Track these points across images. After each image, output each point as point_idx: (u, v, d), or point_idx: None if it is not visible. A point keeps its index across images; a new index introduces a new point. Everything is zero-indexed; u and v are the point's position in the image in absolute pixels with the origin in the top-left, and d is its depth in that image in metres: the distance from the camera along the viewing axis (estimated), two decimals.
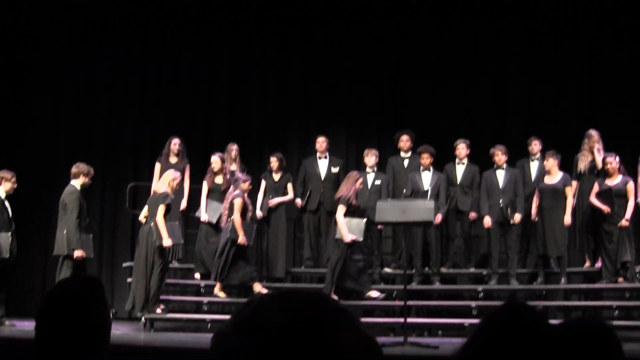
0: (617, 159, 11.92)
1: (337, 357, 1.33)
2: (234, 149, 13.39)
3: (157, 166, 13.33)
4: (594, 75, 14.47)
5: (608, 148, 12.36)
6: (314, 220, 13.19)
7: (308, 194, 13.05)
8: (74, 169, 11.54)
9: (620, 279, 11.62)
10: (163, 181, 11.78)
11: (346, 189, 11.75)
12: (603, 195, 11.86)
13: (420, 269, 12.60)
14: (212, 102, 15.59)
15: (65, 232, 11.14)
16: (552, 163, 12.16)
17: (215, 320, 11.52)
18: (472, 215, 12.73)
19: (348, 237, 11.51)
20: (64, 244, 11.14)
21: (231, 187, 12.46)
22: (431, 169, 12.71)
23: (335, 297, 10.87)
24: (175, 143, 13.35)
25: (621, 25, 14.37)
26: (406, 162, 13.16)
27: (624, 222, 11.60)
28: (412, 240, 12.45)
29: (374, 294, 11.78)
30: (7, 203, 11.50)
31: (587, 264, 12.47)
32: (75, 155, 14.83)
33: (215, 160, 13.01)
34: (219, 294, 12.16)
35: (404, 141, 13.20)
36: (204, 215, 12.87)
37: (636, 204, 11.84)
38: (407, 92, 15.24)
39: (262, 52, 15.60)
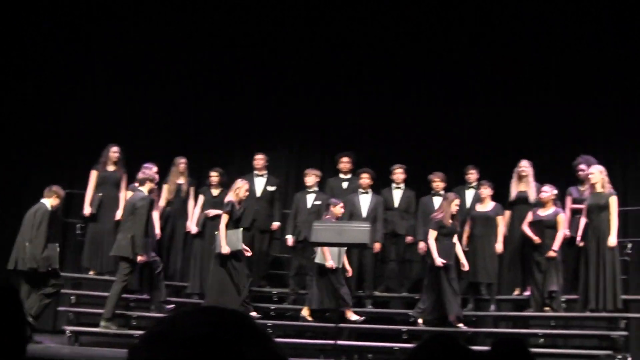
0: (554, 191, 12.18)
1: None
2: (182, 162, 13.28)
3: (93, 174, 13.17)
4: (525, 107, 14.77)
5: (541, 179, 12.66)
6: (247, 237, 12.89)
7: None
8: (140, 175, 12.03)
9: (547, 308, 11.87)
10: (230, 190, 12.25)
11: (441, 211, 11.89)
12: (535, 225, 12.12)
13: (354, 291, 12.65)
14: (154, 113, 15.29)
15: (131, 236, 11.43)
16: (488, 192, 12.43)
17: None
18: (409, 239, 12.90)
19: (438, 260, 11.63)
20: (129, 247, 11.40)
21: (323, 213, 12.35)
22: (370, 191, 12.87)
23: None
24: (114, 151, 13.16)
25: (550, 62, 14.75)
26: (345, 184, 13.32)
27: (552, 253, 11.82)
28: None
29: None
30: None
31: (517, 291, 12.68)
32: (24, 164, 14.60)
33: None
34: (307, 317, 12.06)
35: (344, 163, 13.40)
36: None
37: (565, 235, 12.12)
38: (350, 115, 15.31)
39: (207, 66, 15.57)
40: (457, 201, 11.95)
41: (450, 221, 11.83)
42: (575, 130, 14.50)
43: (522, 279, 12.63)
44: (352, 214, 12.66)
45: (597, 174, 11.80)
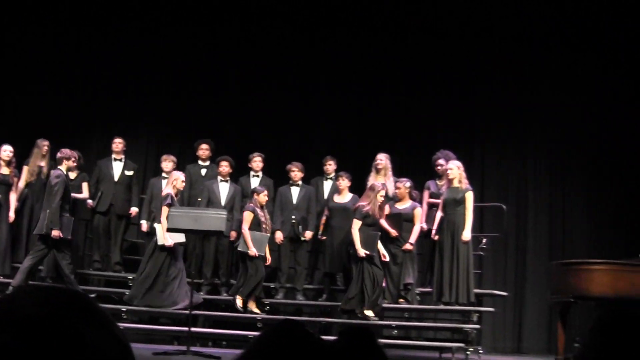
0: (408, 184, 12.28)
1: (83, 356, 1.28)
2: (45, 144, 12.86)
3: None
4: (386, 100, 14.95)
5: (400, 172, 12.78)
6: (104, 222, 13.02)
7: (100, 194, 12.83)
8: (59, 155, 11.98)
9: (402, 300, 11.99)
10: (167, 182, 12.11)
11: (367, 201, 11.66)
12: (392, 218, 12.21)
13: (210, 279, 12.62)
14: (15, 94, 14.98)
15: (45, 212, 11.54)
16: (346, 183, 12.42)
17: None
18: None
19: (361, 251, 11.46)
20: (43, 223, 11.53)
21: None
22: (229, 179, 12.76)
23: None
24: None
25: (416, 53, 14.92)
26: (204, 171, 13.20)
27: (408, 246, 11.97)
28: (203, 249, 12.50)
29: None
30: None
31: None
32: None
33: (9, 149, 12.48)
34: (254, 309, 11.79)
35: (203, 150, 13.26)
36: None
37: (422, 229, 12.25)
38: (209, 101, 15.22)
39: (68, 48, 15.23)
40: (383, 192, 11.85)
41: (377, 212, 11.77)
42: (435, 125, 14.76)
43: None
44: (210, 201, 12.56)
45: (455, 169, 11.93)
